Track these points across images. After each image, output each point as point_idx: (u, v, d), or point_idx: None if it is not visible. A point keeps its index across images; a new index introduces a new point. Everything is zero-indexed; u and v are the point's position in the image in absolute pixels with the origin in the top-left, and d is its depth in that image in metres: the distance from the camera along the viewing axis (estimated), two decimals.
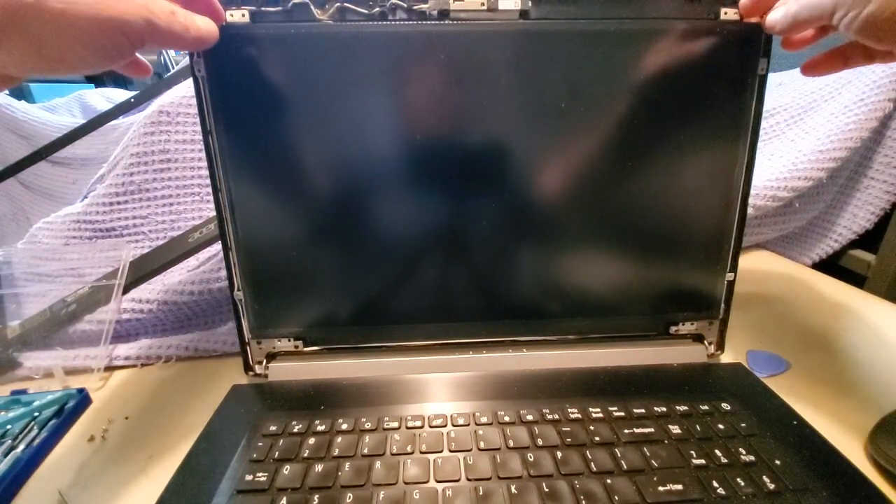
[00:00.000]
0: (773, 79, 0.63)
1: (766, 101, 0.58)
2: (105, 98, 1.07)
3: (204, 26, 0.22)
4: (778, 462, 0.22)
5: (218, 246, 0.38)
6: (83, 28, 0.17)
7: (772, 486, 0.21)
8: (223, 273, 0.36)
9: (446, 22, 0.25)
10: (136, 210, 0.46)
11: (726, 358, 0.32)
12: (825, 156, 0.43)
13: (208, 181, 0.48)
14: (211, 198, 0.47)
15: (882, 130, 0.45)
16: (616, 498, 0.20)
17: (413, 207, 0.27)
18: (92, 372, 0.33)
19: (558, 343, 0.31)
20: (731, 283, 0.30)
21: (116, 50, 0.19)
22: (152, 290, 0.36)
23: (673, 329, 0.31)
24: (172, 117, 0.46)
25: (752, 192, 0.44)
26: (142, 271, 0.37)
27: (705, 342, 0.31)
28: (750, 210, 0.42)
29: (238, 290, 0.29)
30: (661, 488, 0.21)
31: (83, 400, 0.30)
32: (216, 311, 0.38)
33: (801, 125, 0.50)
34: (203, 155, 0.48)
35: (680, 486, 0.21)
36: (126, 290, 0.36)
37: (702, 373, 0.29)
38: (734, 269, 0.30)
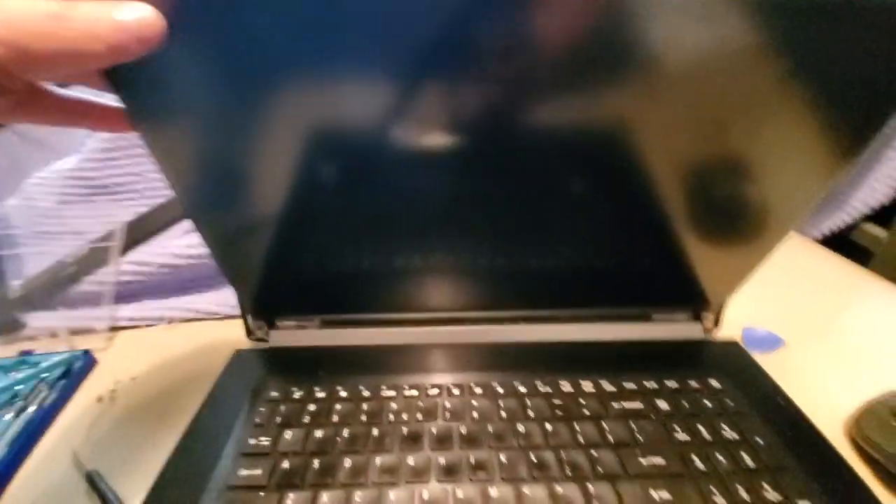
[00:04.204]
0: None
1: None
2: None
3: (133, 18, 0.14)
4: (760, 440, 0.23)
5: None
6: None
7: (751, 464, 0.21)
8: None
9: None
10: (129, 167, 0.45)
11: (723, 334, 0.32)
12: None
13: None
14: None
15: None
16: (599, 469, 0.21)
17: (411, 180, 0.24)
18: (96, 332, 0.34)
19: (556, 318, 0.31)
20: None
21: None
22: (151, 253, 0.36)
23: (672, 306, 0.31)
24: None
25: None
26: (139, 233, 0.37)
27: (703, 319, 0.31)
28: None
29: None
30: (643, 461, 0.22)
31: (89, 361, 0.31)
32: (217, 275, 0.38)
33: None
34: None
35: (662, 460, 0.22)
36: (124, 252, 0.36)
37: (696, 349, 0.30)
38: None
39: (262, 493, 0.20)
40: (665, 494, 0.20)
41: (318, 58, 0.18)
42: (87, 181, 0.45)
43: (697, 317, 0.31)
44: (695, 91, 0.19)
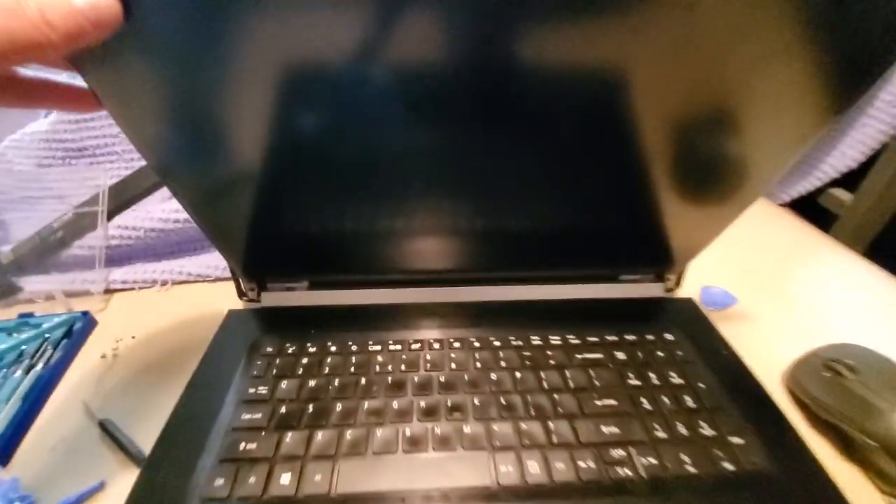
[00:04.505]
0: None
1: None
2: None
3: (88, 4, 0.14)
4: (702, 385, 0.26)
5: None
6: None
7: (692, 405, 0.25)
8: None
9: None
10: (105, 129, 0.44)
11: (684, 292, 0.35)
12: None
13: None
14: None
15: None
16: (559, 410, 0.24)
17: (391, 138, 0.23)
18: (92, 295, 0.35)
19: (531, 278, 0.33)
20: None
21: None
22: (138, 217, 0.37)
23: (638, 268, 0.33)
24: None
25: None
26: (122, 197, 0.37)
27: (665, 280, 0.34)
28: None
29: None
30: (598, 402, 0.25)
31: (89, 322, 0.33)
32: (206, 238, 0.39)
33: None
34: None
35: (614, 402, 0.25)
36: (110, 217, 0.37)
37: (657, 307, 0.33)
38: None
39: (263, 433, 0.23)
40: (614, 430, 0.23)
41: None
42: (62, 143, 0.44)
43: (661, 277, 0.34)
44: (668, 54, 0.19)
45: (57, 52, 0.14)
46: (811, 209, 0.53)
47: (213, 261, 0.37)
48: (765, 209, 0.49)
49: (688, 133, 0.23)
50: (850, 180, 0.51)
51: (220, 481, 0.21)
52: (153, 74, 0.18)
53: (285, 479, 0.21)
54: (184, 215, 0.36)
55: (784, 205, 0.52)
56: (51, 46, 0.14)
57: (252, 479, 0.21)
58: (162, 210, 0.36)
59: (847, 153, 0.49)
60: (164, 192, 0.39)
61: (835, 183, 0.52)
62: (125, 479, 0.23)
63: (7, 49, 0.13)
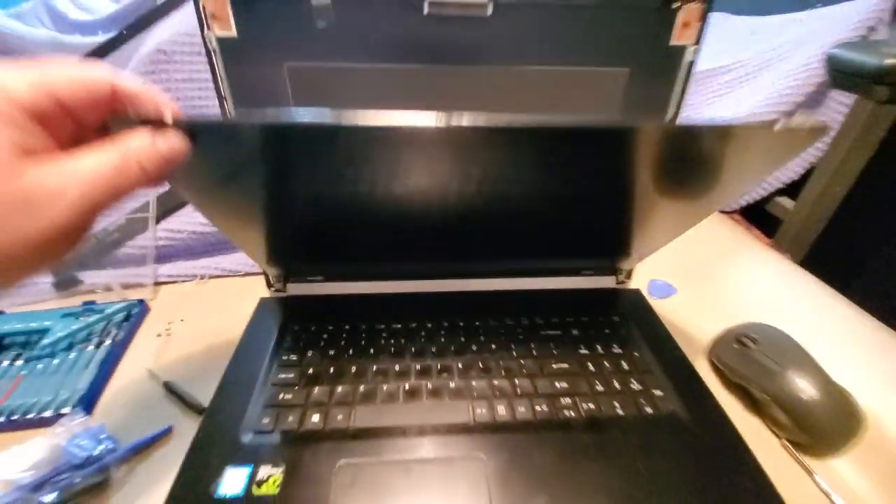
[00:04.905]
0: (747, 25, 0.66)
1: (727, 53, 0.62)
2: (72, 2, 1.02)
3: (168, 151, 0.18)
4: (637, 354, 0.33)
5: None
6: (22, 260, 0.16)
7: (626, 368, 0.32)
8: None
9: None
10: None
11: (634, 284, 0.42)
12: (756, 118, 0.50)
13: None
14: None
15: (825, 92, 0.51)
16: (524, 371, 0.32)
17: (391, 207, 0.30)
18: (143, 286, 0.42)
19: (509, 272, 0.40)
20: None
21: (66, 250, 0.17)
22: (182, 222, 0.44)
23: (594, 265, 0.41)
24: (170, 55, 0.49)
25: None
26: (167, 206, 0.44)
27: (618, 274, 0.41)
28: None
29: None
30: (554, 366, 0.32)
31: (144, 308, 0.40)
32: None
33: (752, 84, 0.56)
34: (202, 94, 0.52)
35: (566, 365, 0.32)
36: (158, 221, 0.44)
37: (609, 296, 0.40)
38: None
39: (295, 388, 0.30)
40: (564, 385, 0.31)
41: None
42: None
43: (614, 272, 0.41)
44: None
45: (152, 187, 0.20)
46: (760, 215, 0.60)
47: (244, 258, 0.44)
48: (711, 216, 0.56)
49: (647, 177, 0.28)
50: (793, 190, 0.59)
51: (266, 420, 0.28)
52: (209, 177, 0.25)
53: (315, 418, 0.28)
54: None
55: (734, 211, 0.59)
56: (149, 185, 0.19)
57: (290, 418, 0.28)
58: (201, 216, 0.43)
59: (789, 166, 0.57)
60: None
61: (780, 192, 0.59)
62: (188, 425, 0.30)
63: (121, 196, 0.18)
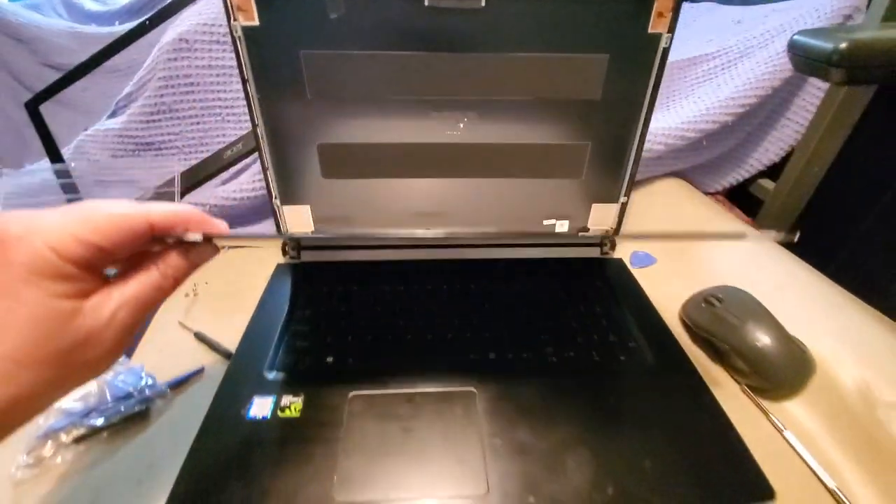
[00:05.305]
0: (733, 14, 0.69)
1: (713, 42, 0.65)
2: None
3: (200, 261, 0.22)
4: (615, 312, 0.37)
5: (248, 160, 0.50)
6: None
7: (605, 324, 0.36)
8: (256, 185, 0.48)
9: None
10: (169, 127, 0.56)
11: (618, 254, 0.46)
12: (736, 102, 0.53)
13: (228, 103, 0.56)
14: (231, 117, 0.56)
15: (805, 78, 0.54)
16: (513, 318, 0.36)
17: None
18: None
19: (500, 246, 0.44)
20: (624, 205, 0.43)
21: (114, 361, 0.20)
22: (205, 196, 0.48)
23: (581, 235, 0.45)
24: (191, 44, 0.53)
25: (665, 131, 0.54)
26: (192, 181, 0.49)
27: (602, 245, 0.45)
28: (661, 147, 0.53)
29: (276, 198, 0.41)
30: (540, 322, 0.36)
31: None
32: (253, 213, 0.51)
33: (733, 71, 0.59)
34: (220, 80, 0.56)
35: (551, 322, 0.36)
36: (182, 196, 0.48)
37: (596, 264, 0.44)
38: (627, 195, 0.42)
39: (311, 335, 0.35)
40: (548, 336, 0.35)
41: None
42: (133, 139, 0.56)
43: (599, 244, 0.45)
44: None
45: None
46: (743, 196, 0.64)
47: (261, 230, 0.49)
48: (692, 195, 0.59)
49: None
50: (774, 171, 0.62)
51: (286, 360, 0.32)
52: None
53: (329, 358, 0.32)
54: (239, 195, 0.48)
55: (717, 193, 0.62)
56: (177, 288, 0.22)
57: (308, 359, 0.32)
58: (223, 190, 0.48)
59: (770, 149, 0.60)
60: (223, 175, 0.50)
61: (761, 174, 0.63)
62: (217, 367, 0.34)
63: (157, 305, 0.21)
